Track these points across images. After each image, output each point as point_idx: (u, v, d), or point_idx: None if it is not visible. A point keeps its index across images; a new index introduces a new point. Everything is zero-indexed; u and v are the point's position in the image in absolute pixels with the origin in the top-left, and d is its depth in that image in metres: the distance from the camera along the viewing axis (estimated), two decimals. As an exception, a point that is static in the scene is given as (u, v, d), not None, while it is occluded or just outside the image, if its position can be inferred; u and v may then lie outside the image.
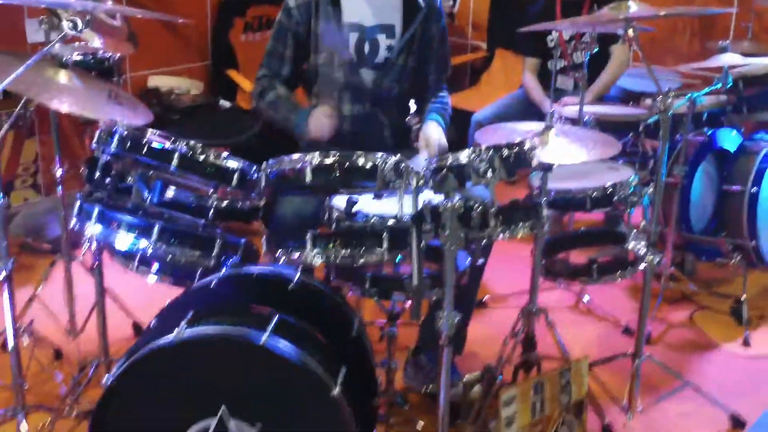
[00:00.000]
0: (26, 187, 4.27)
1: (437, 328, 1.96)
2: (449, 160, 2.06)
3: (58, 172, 3.00)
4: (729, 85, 3.25)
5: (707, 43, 4.39)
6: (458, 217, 1.92)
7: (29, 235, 3.96)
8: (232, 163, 2.23)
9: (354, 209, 2.21)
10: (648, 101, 3.60)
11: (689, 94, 3.20)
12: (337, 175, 2.11)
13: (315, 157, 2.11)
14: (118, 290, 3.13)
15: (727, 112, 3.61)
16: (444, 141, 2.80)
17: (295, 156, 2.15)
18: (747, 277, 3.51)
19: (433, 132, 2.82)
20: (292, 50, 2.91)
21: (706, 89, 3.23)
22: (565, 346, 2.92)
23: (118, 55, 3.35)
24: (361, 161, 2.09)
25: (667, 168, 3.03)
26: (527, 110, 4.10)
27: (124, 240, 2.24)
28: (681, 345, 3.35)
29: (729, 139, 3.61)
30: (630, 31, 2.59)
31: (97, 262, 2.67)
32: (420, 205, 1.99)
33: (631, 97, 4.07)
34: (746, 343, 3.34)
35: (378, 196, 2.16)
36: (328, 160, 2.11)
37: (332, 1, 2.85)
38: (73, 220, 2.31)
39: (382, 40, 2.89)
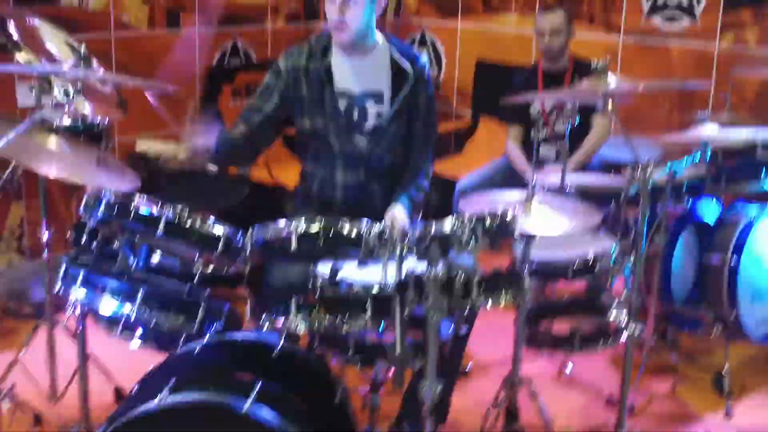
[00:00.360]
0: (11, 250, 4.27)
1: (420, 397, 1.97)
2: (433, 229, 2.09)
3: (45, 236, 3.01)
4: (708, 157, 3.31)
5: (686, 114, 4.48)
6: (441, 285, 1.95)
7: (11, 299, 3.94)
8: (218, 230, 2.25)
9: (338, 276, 2.23)
10: (629, 171, 3.65)
11: (669, 165, 3.26)
12: (322, 242, 2.14)
13: (300, 225, 2.14)
14: (99, 354, 3.11)
15: (706, 182, 3.67)
16: (406, 226, 2.78)
17: (281, 223, 2.18)
18: (728, 349, 3.53)
19: (398, 215, 2.82)
20: (273, 107, 2.91)
21: (686, 160, 3.29)
22: (548, 416, 2.92)
23: (107, 120, 3.38)
24: (346, 229, 2.13)
25: (647, 238, 3.07)
26: (510, 178, 4.15)
27: (108, 305, 2.25)
28: (664, 416, 3.34)
29: (709, 210, 3.66)
30: (609, 105, 2.65)
31: (80, 328, 2.66)
32: (404, 274, 2.01)
33: (612, 167, 4.13)
34: (728, 414, 3.34)
35: (362, 264, 2.18)
36: (314, 228, 2.14)
37: (324, 68, 2.91)
38: (58, 284, 2.32)
39: (371, 107, 2.94)
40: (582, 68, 4.11)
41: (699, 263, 3.59)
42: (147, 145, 4.69)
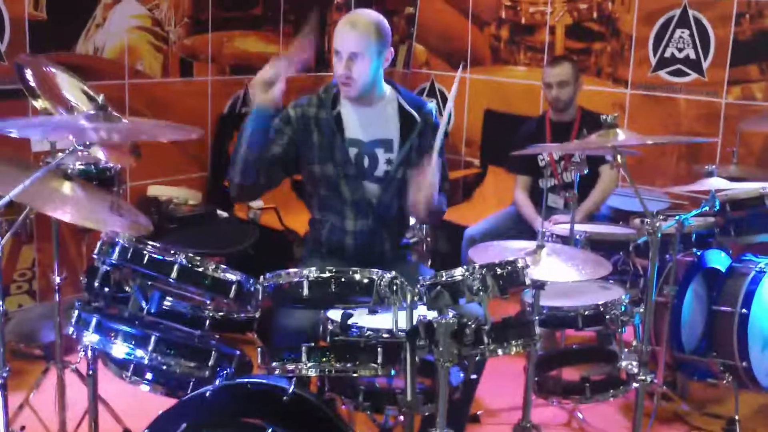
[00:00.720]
0: (21, 293, 4.28)
1: (430, 444, 1.96)
2: (443, 278, 2.10)
3: (57, 279, 3.02)
4: (716, 208, 3.33)
5: (694, 167, 4.50)
6: (452, 333, 1.96)
7: (21, 341, 3.94)
8: (230, 276, 2.26)
9: (349, 322, 2.24)
10: (637, 221, 3.67)
11: (677, 216, 3.27)
12: (333, 289, 2.16)
13: (312, 272, 2.16)
14: (108, 396, 3.11)
15: (715, 233, 3.68)
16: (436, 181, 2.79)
17: (292, 270, 2.20)
18: (738, 397, 3.51)
19: (431, 178, 2.78)
20: (282, 149, 2.92)
21: (694, 212, 3.30)
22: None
23: (120, 165, 3.41)
24: (357, 277, 2.15)
25: (657, 288, 3.07)
26: (519, 226, 4.18)
27: (120, 349, 2.26)
28: (674, 466, 3.32)
29: (718, 260, 3.67)
30: (618, 158, 2.67)
31: (91, 371, 2.67)
32: (414, 321, 2.02)
33: (620, 216, 4.15)
34: (739, 465, 3.31)
35: (373, 311, 2.20)
36: (325, 275, 2.16)
37: (335, 118, 2.95)
38: (71, 329, 2.33)
39: (381, 154, 2.97)
40: (589, 119, 4.15)
41: (708, 313, 3.58)
42: (159, 190, 4.75)
